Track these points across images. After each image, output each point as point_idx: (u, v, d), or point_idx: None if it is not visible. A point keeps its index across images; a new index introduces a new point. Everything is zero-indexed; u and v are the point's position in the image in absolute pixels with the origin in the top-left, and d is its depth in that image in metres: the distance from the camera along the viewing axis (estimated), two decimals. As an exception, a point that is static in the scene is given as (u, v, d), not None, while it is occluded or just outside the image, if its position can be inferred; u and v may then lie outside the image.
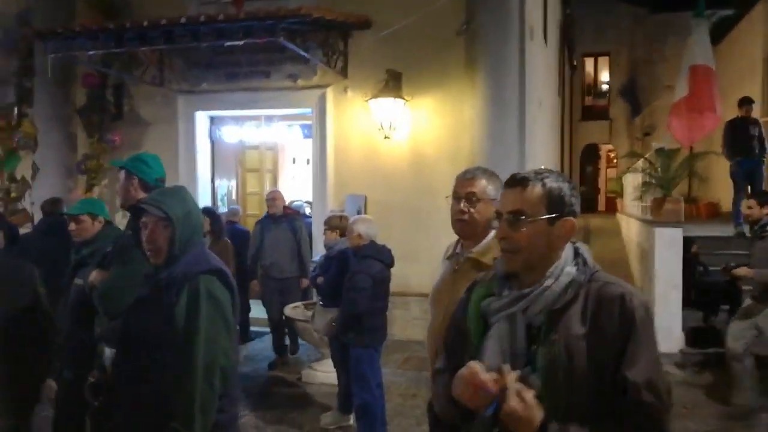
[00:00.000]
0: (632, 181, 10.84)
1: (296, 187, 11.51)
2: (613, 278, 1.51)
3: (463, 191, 2.24)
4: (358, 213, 6.96)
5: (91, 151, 7.75)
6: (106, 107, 7.76)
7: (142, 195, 2.58)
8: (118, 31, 5.75)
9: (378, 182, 7.21)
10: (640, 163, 9.01)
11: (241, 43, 5.54)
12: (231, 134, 8.29)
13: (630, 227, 10.82)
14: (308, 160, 8.55)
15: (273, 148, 10.04)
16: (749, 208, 4.90)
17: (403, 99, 7.00)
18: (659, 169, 7.28)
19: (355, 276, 3.87)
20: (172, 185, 2.29)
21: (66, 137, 7.90)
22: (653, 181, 7.45)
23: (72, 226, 3.21)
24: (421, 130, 7.16)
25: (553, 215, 1.48)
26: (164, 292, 2.03)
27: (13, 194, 7.82)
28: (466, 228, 2.24)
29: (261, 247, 6.22)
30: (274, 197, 6.35)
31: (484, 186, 2.23)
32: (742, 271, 4.83)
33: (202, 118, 8.03)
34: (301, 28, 6.35)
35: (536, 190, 1.48)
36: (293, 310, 5.72)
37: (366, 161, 7.30)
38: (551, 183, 1.49)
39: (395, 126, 7.01)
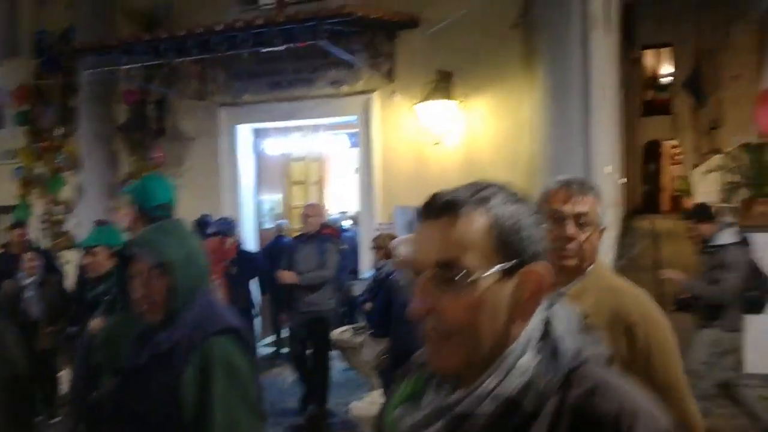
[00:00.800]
0: (711, 181, 9.90)
1: (343, 199, 11.09)
2: (611, 377, 0.86)
3: (572, 210, 1.68)
4: (410, 226, 6.45)
5: (134, 169, 7.54)
6: (148, 124, 7.54)
7: (141, 228, 2.12)
8: (154, 42, 5.47)
9: (429, 193, 6.67)
10: (718, 159, 8.14)
11: (281, 48, 5.13)
12: (275, 146, 7.93)
13: (708, 231, 9.84)
14: (356, 170, 8.09)
15: (319, 159, 9.65)
16: (690, 230, 4.52)
17: (455, 101, 6.46)
18: (747, 166, 6.48)
19: (405, 308, 3.33)
20: (166, 220, 1.82)
21: (109, 156, 7.73)
22: (741, 179, 6.64)
23: (85, 259, 2.81)
24: (475, 134, 6.59)
25: (511, 262, 0.87)
26: (165, 360, 1.57)
27: (55, 217, 7.70)
28: (573, 261, 1.68)
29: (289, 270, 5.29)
30: (307, 213, 5.42)
31: (594, 204, 1.69)
32: (670, 273, 4.36)
33: (244, 130, 7.71)
34: (344, 30, 5.92)
35: (477, 221, 0.89)
36: (341, 334, 5.24)
37: (415, 170, 6.78)
38: (500, 208, 0.90)
39: (446, 131, 6.47)
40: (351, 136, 7.64)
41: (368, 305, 4.03)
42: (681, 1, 19.78)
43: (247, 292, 6.28)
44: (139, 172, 7.53)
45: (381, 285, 3.90)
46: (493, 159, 6.49)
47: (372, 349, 3.92)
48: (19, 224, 6.20)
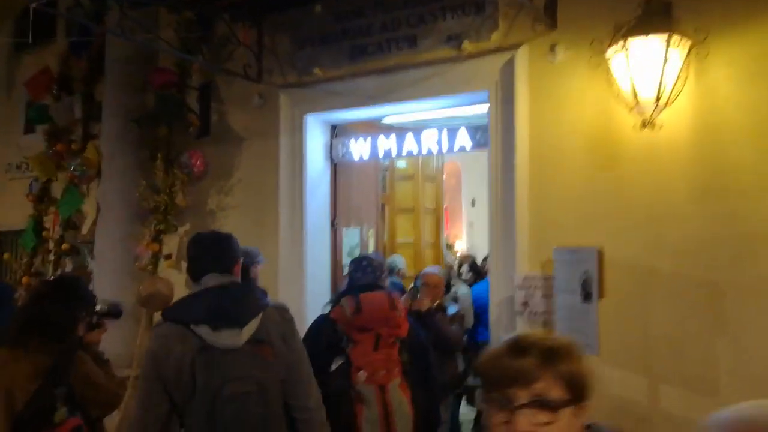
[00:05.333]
0: None
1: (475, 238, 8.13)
2: None
3: None
4: (584, 286, 3.33)
5: (161, 183, 5.20)
6: (182, 117, 5.21)
7: None
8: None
9: (624, 222, 3.53)
10: None
11: None
12: (362, 151, 5.21)
13: None
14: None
15: (434, 179, 6.83)
16: None
17: (679, 47, 3.32)
18: None
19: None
20: None
21: (135, 163, 5.50)
22: None
23: None
24: (720, 108, 3.37)
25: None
26: None
27: (65, 245, 5.60)
28: None
29: None
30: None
31: None
32: None
33: (314, 124, 5.12)
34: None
35: None
36: None
37: (597, 179, 3.67)
38: None
39: (665, 100, 3.33)
40: (475, 132, 4.67)
41: None
42: None
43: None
44: (167, 186, 5.20)
45: None
46: (760, 159, 3.23)
47: None
48: None
